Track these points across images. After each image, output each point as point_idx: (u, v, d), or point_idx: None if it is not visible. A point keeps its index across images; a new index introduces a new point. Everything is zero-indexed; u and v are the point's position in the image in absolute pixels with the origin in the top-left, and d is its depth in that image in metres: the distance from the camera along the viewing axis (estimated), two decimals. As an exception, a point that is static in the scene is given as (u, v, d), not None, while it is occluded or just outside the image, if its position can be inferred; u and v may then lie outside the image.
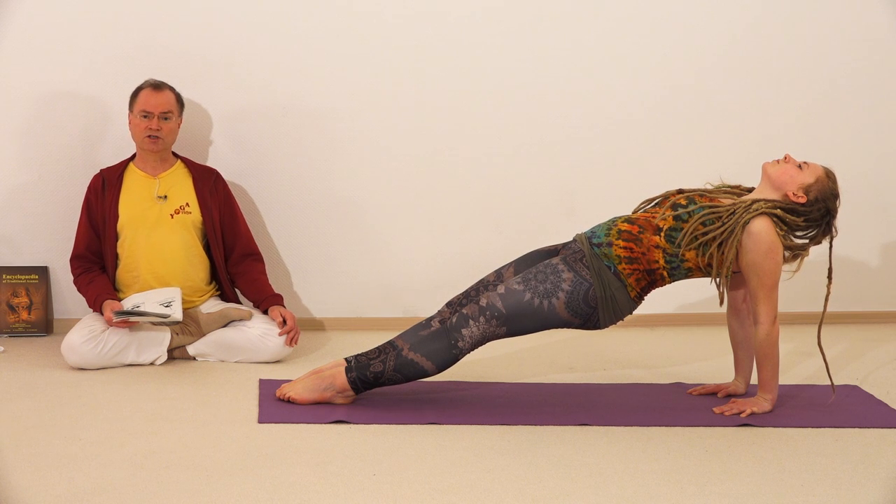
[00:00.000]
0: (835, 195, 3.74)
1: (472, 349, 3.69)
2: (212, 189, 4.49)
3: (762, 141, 4.99)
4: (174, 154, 4.53)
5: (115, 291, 4.38)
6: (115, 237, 4.40)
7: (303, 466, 3.19)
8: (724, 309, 3.88)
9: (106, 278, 4.40)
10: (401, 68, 4.85)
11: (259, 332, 4.32)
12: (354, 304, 4.98)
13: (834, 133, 5.07)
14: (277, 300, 4.45)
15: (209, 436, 3.44)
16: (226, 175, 4.62)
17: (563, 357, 4.50)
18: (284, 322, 4.33)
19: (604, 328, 3.73)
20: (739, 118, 5.04)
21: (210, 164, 4.75)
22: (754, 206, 3.67)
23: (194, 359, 4.35)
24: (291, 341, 4.34)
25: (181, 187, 4.46)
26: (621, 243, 3.69)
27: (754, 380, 3.92)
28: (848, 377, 4.24)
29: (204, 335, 4.34)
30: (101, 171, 4.48)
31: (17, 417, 3.60)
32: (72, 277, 4.48)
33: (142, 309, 4.16)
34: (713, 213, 3.68)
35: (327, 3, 4.77)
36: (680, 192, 3.83)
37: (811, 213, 3.72)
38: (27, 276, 4.71)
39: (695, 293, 4.99)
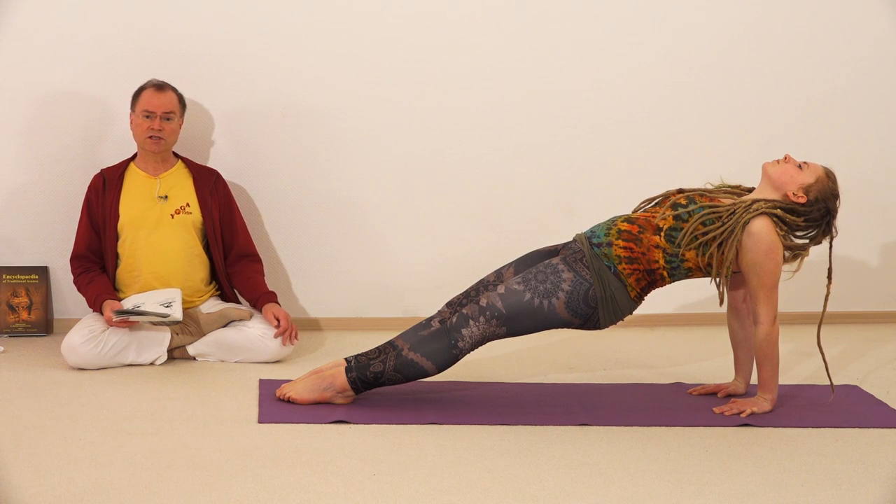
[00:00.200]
0: (835, 195, 3.74)
1: (473, 349, 3.69)
2: (212, 189, 4.49)
3: (762, 141, 4.99)
4: (175, 154, 4.53)
5: (115, 291, 4.38)
6: (116, 237, 4.40)
7: (303, 466, 3.19)
8: (723, 309, 3.88)
9: (106, 278, 4.40)
10: (401, 68, 4.85)
11: (259, 332, 4.33)
12: (354, 303, 4.98)
13: (834, 133, 5.07)
14: (271, 297, 4.45)
15: (209, 436, 3.44)
16: (226, 175, 4.62)
17: (563, 357, 4.50)
18: (279, 322, 4.33)
19: (604, 328, 3.73)
20: (739, 118, 5.04)
21: (210, 163, 4.75)
22: (754, 206, 3.67)
23: (194, 359, 4.35)
24: (289, 339, 4.34)
25: (182, 187, 4.46)
26: (621, 243, 3.69)
27: (754, 380, 3.93)
28: (848, 377, 4.24)
29: (204, 335, 4.34)
30: (102, 170, 4.48)
31: (17, 417, 3.60)
32: (72, 277, 4.48)
33: (142, 309, 4.16)
34: (713, 212, 3.68)
35: (327, 3, 4.77)
36: (680, 191, 3.83)
37: (811, 213, 3.72)
38: (27, 276, 4.71)
39: (695, 293, 4.99)
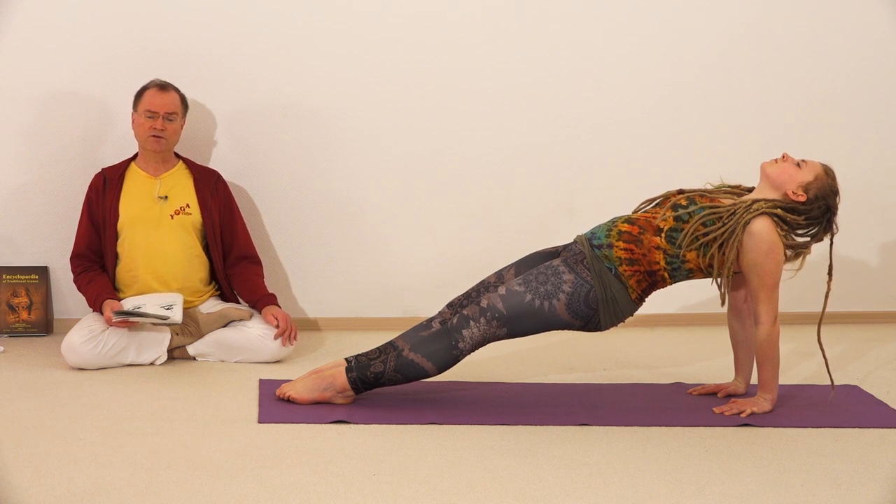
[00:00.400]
0: (834, 192, 3.74)
1: (473, 350, 3.69)
2: (212, 190, 4.49)
3: (762, 141, 4.99)
4: (176, 154, 4.53)
5: (114, 291, 4.38)
6: (116, 236, 4.40)
7: (303, 466, 3.19)
8: (723, 309, 3.88)
9: (106, 277, 4.40)
10: (401, 68, 4.85)
11: (259, 332, 4.32)
12: (354, 304, 4.98)
13: (834, 133, 5.07)
14: (271, 300, 4.45)
15: (209, 436, 3.44)
16: (225, 175, 4.62)
17: (563, 357, 4.50)
18: (278, 323, 4.33)
19: (605, 330, 3.73)
20: (739, 118, 5.04)
21: (210, 163, 4.75)
22: (755, 206, 3.67)
23: (194, 359, 4.35)
24: (289, 340, 4.34)
25: (182, 188, 4.46)
26: (622, 245, 3.69)
27: (754, 380, 3.92)
28: (848, 377, 4.24)
29: (204, 335, 4.34)
30: (103, 170, 4.48)
31: (17, 417, 3.60)
32: (72, 277, 4.48)
33: (142, 310, 4.16)
34: (714, 213, 3.68)
35: (327, 3, 4.77)
36: (680, 192, 3.83)
37: (812, 212, 3.72)
38: (27, 276, 4.71)
39: (695, 293, 4.99)
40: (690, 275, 3.72)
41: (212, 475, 3.10)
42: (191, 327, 4.33)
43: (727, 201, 3.75)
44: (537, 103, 4.94)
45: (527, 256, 3.91)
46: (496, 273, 3.90)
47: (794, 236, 3.74)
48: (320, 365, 4.03)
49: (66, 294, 4.74)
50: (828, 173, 3.75)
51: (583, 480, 3.14)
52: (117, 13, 4.65)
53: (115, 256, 4.42)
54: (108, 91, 4.66)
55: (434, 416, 3.66)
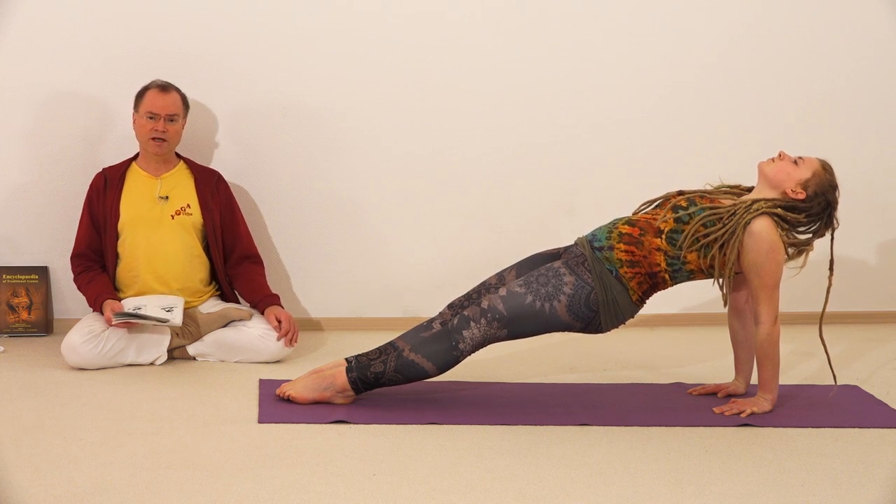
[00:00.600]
0: (833, 187, 3.74)
1: (473, 351, 3.69)
2: (213, 191, 4.49)
3: (762, 141, 4.99)
4: (177, 155, 4.52)
5: (115, 291, 4.38)
6: (116, 236, 4.40)
7: (303, 466, 3.19)
8: (723, 309, 3.88)
9: (106, 277, 4.40)
10: (401, 68, 4.85)
11: (259, 332, 4.32)
12: (354, 304, 4.98)
13: (834, 133, 5.07)
14: (273, 300, 4.45)
15: (209, 436, 3.44)
16: (226, 175, 4.62)
17: (563, 357, 4.50)
18: (280, 324, 4.33)
19: (606, 332, 3.73)
20: (739, 118, 5.04)
21: (210, 164, 4.75)
22: (755, 207, 3.67)
23: (194, 359, 4.35)
24: (290, 342, 4.34)
25: (183, 188, 4.46)
26: (622, 246, 3.69)
27: (754, 380, 3.92)
28: (848, 377, 4.24)
29: (204, 335, 4.34)
30: (104, 169, 4.48)
31: (17, 417, 3.60)
32: (72, 277, 4.48)
33: (143, 312, 4.16)
34: (714, 214, 3.67)
35: (327, 3, 4.77)
36: (680, 193, 3.82)
37: (812, 208, 3.72)
38: (27, 276, 4.71)
39: (695, 294, 4.99)
40: (691, 276, 3.72)
41: (212, 475, 3.10)
42: (191, 327, 4.33)
43: (727, 202, 3.74)
44: (537, 103, 4.94)
45: (528, 258, 3.91)
46: (497, 274, 3.90)
47: (795, 234, 3.74)
48: (320, 365, 4.03)
49: (66, 294, 4.74)
50: (825, 168, 3.75)
51: (583, 480, 3.14)
52: (117, 13, 4.65)
53: (116, 256, 4.42)
54: (108, 91, 4.66)
55: (434, 416, 3.66)
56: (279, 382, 3.96)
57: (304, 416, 3.62)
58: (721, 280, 3.69)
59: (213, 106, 4.76)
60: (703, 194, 3.80)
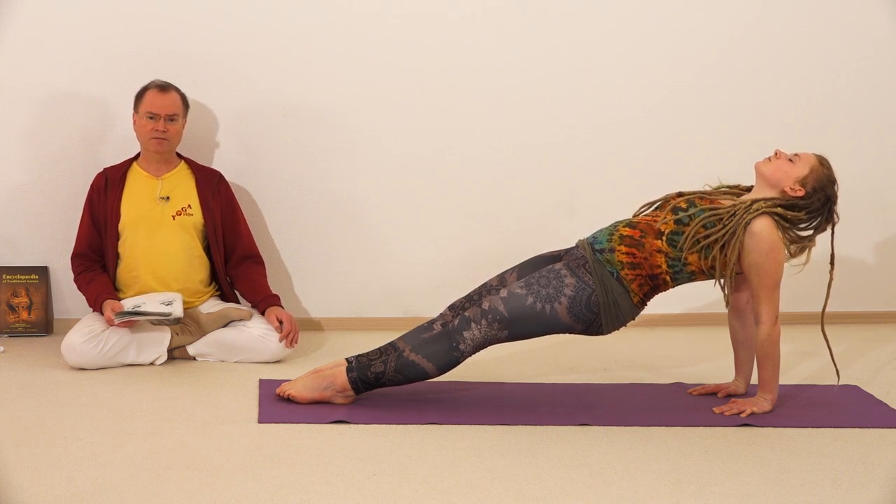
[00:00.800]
0: (832, 181, 3.74)
1: (474, 352, 3.69)
2: (214, 191, 4.49)
3: (762, 141, 4.97)
4: (178, 155, 4.52)
5: (115, 291, 4.38)
6: (117, 236, 4.40)
7: (303, 466, 3.19)
8: (722, 309, 3.88)
9: (106, 277, 4.40)
10: (401, 68, 4.85)
11: (259, 332, 4.32)
12: (354, 304, 4.98)
13: (834, 133, 5.07)
14: (274, 301, 4.45)
15: (209, 436, 3.44)
16: (227, 175, 4.62)
17: (563, 357, 4.50)
18: (281, 324, 4.33)
19: (606, 334, 3.73)
20: (739, 118, 5.04)
21: (210, 164, 4.75)
22: (754, 207, 3.66)
23: (194, 359, 4.35)
24: (290, 342, 4.34)
25: (184, 189, 4.46)
26: (623, 249, 3.68)
27: (754, 380, 3.92)
28: (848, 377, 4.24)
29: (204, 335, 4.34)
30: (105, 169, 4.48)
31: (17, 417, 3.60)
32: (72, 277, 4.48)
33: (142, 309, 4.17)
34: (714, 215, 3.67)
35: (327, 3, 4.77)
36: (680, 194, 3.82)
37: (812, 205, 3.71)
38: (27, 276, 4.71)
39: (695, 294, 4.99)
40: (692, 277, 3.72)
41: (212, 475, 3.10)
42: (191, 327, 4.33)
43: (727, 202, 3.74)
44: (537, 103, 4.94)
45: (529, 260, 3.90)
46: (498, 276, 3.90)
47: (796, 232, 3.73)
48: (320, 365, 4.03)
49: (66, 294, 4.74)
50: (822, 163, 3.75)
51: (583, 480, 3.14)
52: (117, 13, 4.65)
53: (117, 256, 4.42)
54: (108, 91, 4.66)
55: (434, 416, 3.66)
56: (279, 382, 3.96)
57: (304, 416, 3.62)
58: (722, 281, 3.69)
59: (214, 106, 4.76)
60: (702, 195, 3.80)
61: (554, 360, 4.45)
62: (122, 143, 4.62)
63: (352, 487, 3.04)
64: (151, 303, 4.22)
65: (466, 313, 3.68)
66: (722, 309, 3.85)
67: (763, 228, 3.63)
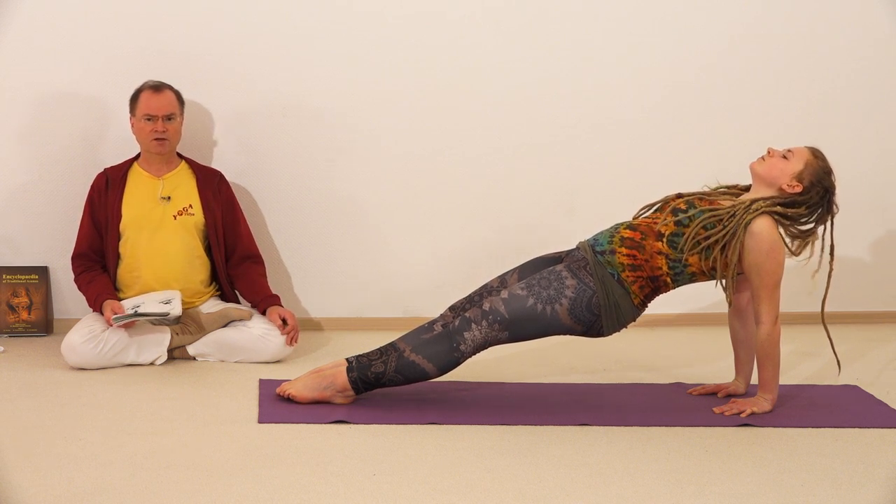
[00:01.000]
0: (828, 172, 3.73)
1: (474, 353, 3.69)
2: (215, 191, 4.49)
3: (762, 141, 4.95)
4: (178, 155, 4.52)
5: (115, 291, 4.38)
6: (118, 237, 4.40)
7: (303, 466, 3.19)
8: (722, 309, 3.87)
9: (106, 278, 4.40)
10: (401, 68, 4.85)
11: (259, 331, 4.32)
12: (355, 304, 4.98)
13: (834, 133, 5.07)
14: (275, 301, 4.45)
15: (209, 436, 3.44)
16: (227, 175, 4.61)
17: (563, 357, 4.50)
18: (284, 323, 4.33)
19: (607, 336, 3.72)
20: (739, 118, 5.04)
21: (211, 164, 4.75)
22: (754, 207, 3.66)
23: (194, 359, 4.35)
24: (291, 341, 4.34)
25: (185, 189, 4.46)
26: (624, 250, 3.68)
27: (754, 380, 3.92)
28: (848, 377, 4.24)
29: (204, 335, 4.34)
30: (105, 169, 4.48)
31: (17, 417, 3.60)
32: (72, 277, 4.48)
33: (141, 310, 4.17)
34: (714, 216, 3.67)
35: (327, 3, 4.77)
36: (679, 196, 3.82)
37: (811, 199, 3.71)
38: (27, 276, 4.71)
39: (695, 295, 4.98)
40: (693, 278, 3.72)
41: (212, 475, 3.10)
42: (191, 327, 4.33)
43: (726, 203, 3.74)
44: (537, 103, 4.94)
45: (529, 261, 3.90)
46: (499, 277, 3.90)
47: (799, 227, 3.73)
48: (320, 365, 4.03)
49: (66, 294, 4.74)
50: (816, 155, 3.74)
51: (583, 480, 3.14)
52: (117, 13, 4.65)
53: (118, 257, 4.42)
54: (108, 91, 4.66)
55: (434, 416, 3.66)
56: (279, 382, 3.96)
57: (304, 416, 3.62)
58: (724, 282, 3.68)
59: (214, 106, 4.76)
60: (701, 196, 3.80)
61: (554, 360, 4.45)
62: (122, 143, 4.62)
63: (352, 487, 3.04)
64: (150, 303, 4.22)
65: (467, 314, 3.68)
66: (722, 309, 3.85)
67: (763, 228, 3.63)
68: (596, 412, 3.74)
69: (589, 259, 3.70)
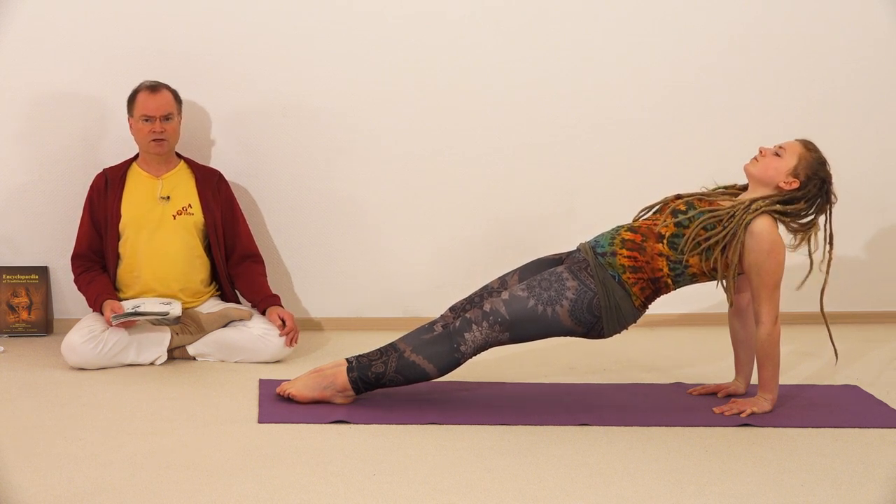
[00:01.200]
0: (822, 162, 3.73)
1: (475, 354, 3.69)
2: (214, 190, 4.49)
3: (762, 141, 4.95)
4: (178, 155, 4.52)
5: (115, 291, 4.38)
6: (117, 237, 4.40)
7: (303, 466, 3.19)
8: (722, 310, 3.87)
9: (106, 278, 4.40)
10: (401, 68, 4.85)
11: (259, 331, 4.32)
12: (354, 304, 4.98)
13: (834, 133, 5.06)
14: (275, 301, 4.45)
15: (209, 436, 3.44)
16: (226, 175, 4.62)
17: (563, 357, 4.50)
18: (283, 323, 4.33)
19: (608, 337, 3.72)
20: (740, 118, 5.04)
21: (211, 164, 4.75)
22: (753, 207, 3.66)
23: (194, 359, 4.35)
24: (291, 341, 4.34)
25: (184, 188, 4.46)
26: (625, 252, 3.68)
27: (754, 380, 3.92)
28: (848, 377, 4.24)
29: (204, 335, 4.34)
30: (105, 170, 4.48)
31: (17, 417, 3.60)
32: (72, 277, 4.48)
33: (141, 309, 4.17)
34: (713, 216, 3.67)
35: (327, 3, 4.77)
36: (678, 197, 3.82)
37: (809, 192, 3.71)
38: (27, 276, 4.71)
39: (696, 295, 4.97)
40: (694, 279, 3.71)
41: (212, 475, 3.10)
42: (191, 327, 4.33)
43: (726, 203, 3.73)
44: (537, 103, 4.94)
45: (530, 262, 3.90)
46: (500, 278, 3.90)
47: (799, 221, 3.72)
48: (320, 364, 4.03)
49: (66, 294, 4.74)
50: (808, 147, 3.74)
51: (583, 480, 3.14)
52: (117, 13, 4.65)
53: (117, 257, 4.42)
54: (108, 91, 4.66)
55: (434, 416, 3.66)
56: (279, 382, 3.96)
57: (304, 416, 3.61)
58: (725, 282, 3.68)
59: (214, 106, 4.76)
60: (701, 197, 3.80)
61: (554, 361, 4.45)
62: (121, 143, 4.62)
63: (352, 487, 3.04)
64: (150, 303, 4.22)
65: (468, 315, 3.68)
66: (722, 310, 3.85)
67: (763, 228, 3.63)
68: (596, 412, 3.74)
69: (590, 261, 3.70)
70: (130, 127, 4.42)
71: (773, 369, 3.72)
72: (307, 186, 4.87)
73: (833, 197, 3.74)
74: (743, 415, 3.70)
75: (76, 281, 4.45)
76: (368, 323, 4.95)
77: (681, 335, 4.95)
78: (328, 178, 4.88)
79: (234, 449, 3.32)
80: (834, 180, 3.77)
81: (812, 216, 3.74)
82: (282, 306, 4.44)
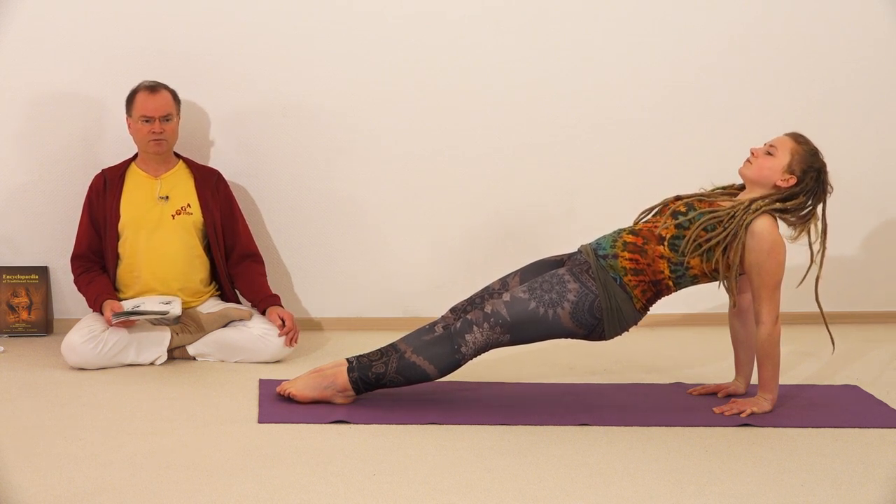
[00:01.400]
0: (814, 153, 3.73)
1: (475, 355, 3.69)
2: (213, 190, 4.49)
3: (762, 141, 4.96)
4: (176, 154, 4.52)
5: (115, 291, 4.38)
6: (117, 237, 4.40)
7: (303, 466, 3.19)
8: (722, 310, 3.87)
9: (106, 278, 4.40)
10: (401, 68, 4.85)
11: (259, 331, 4.32)
12: (354, 304, 4.98)
13: (834, 133, 5.06)
14: (274, 301, 4.45)
15: (209, 436, 3.44)
16: (226, 175, 4.62)
17: (563, 357, 4.50)
18: (283, 323, 4.33)
19: (609, 339, 3.72)
20: (739, 118, 5.04)
21: (211, 164, 4.75)
22: (753, 207, 3.66)
23: (194, 359, 4.35)
24: (291, 341, 4.34)
25: (183, 188, 4.46)
26: (626, 255, 3.68)
27: (754, 380, 3.92)
28: (848, 377, 4.24)
29: (204, 335, 4.34)
30: (103, 170, 4.48)
31: (17, 417, 3.60)
32: (72, 277, 4.48)
33: (141, 308, 4.17)
34: (713, 217, 3.66)
35: (327, 3, 4.77)
36: (678, 198, 3.82)
37: (807, 185, 3.70)
38: (27, 276, 4.71)
39: (695, 295, 4.97)
40: (695, 280, 3.71)
41: (212, 475, 3.10)
42: (191, 327, 4.33)
43: (725, 204, 3.73)
44: (537, 103, 4.94)
45: (531, 264, 3.90)
46: (500, 280, 3.90)
47: (800, 214, 3.72)
48: (320, 364, 4.03)
49: (66, 294, 4.74)
50: (799, 141, 3.74)
51: (583, 480, 3.14)
52: (117, 13, 4.65)
53: (117, 257, 4.42)
54: (108, 91, 4.66)
55: (434, 416, 3.66)
56: (279, 382, 3.96)
57: (304, 416, 3.61)
58: (726, 283, 3.67)
59: (213, 106, 4.76)
60: (700, 198, 3.79)
61: (554, 361, 4.45)
62: (121, 143, 4.62)
63: (352, 487, 3.04)
64: (150, 302, 4.23)
65: (468, 316, 3.68)
66: (722, 310, 3.85)
67: (764, 228, 3.63)
68: (596, 412, 3.74)
69: (591, 263, 3.70)
70: (129, 127, 4.42)
71: (773, 369, 3.72)
72: (307, 186, 4.87)
73: (829, 187, 3.74)
74: (743, 415, 3.70)
75: (76, 281, 4.45)
76: (368, 323, 4.95)
77: (681, 335, 4.95)
78: (328, 178, 4.88)
79: (234, 449, 3.32)
80: (833, 179, 3.77)
81: (811, 207, 3.74)
82: (282, 306, 4.44)
